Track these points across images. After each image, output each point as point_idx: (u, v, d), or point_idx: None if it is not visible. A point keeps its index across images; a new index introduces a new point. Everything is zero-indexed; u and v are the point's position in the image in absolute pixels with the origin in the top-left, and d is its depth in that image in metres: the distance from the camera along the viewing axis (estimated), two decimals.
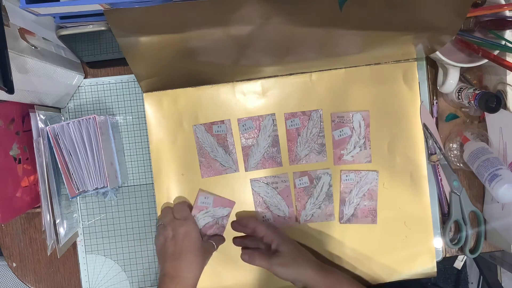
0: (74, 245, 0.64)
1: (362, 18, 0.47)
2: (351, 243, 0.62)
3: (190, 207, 0.61)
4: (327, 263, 0.62)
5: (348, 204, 0.63)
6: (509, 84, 0.58)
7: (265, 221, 0.62)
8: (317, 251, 0.62)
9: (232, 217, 0.62)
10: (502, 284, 1.24)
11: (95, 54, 0.58)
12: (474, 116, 0.64)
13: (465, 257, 1.27)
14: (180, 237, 0.55)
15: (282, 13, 0.44)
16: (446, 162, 0.63)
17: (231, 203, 0.61)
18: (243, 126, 0.63)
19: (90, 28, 0.48)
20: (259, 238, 0.59)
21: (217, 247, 0.60)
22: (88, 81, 0.64)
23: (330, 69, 0.63)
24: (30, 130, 0.56)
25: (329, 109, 0.63)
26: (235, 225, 0.61)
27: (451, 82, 0.59)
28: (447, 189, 0.64)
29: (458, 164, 0.63)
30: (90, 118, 0.56)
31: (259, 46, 0.52)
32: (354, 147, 0.63)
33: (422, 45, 0.57)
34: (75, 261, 0.64)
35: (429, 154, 0.63)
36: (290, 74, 0.63)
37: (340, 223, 0.63)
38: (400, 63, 0.63)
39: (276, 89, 0.63)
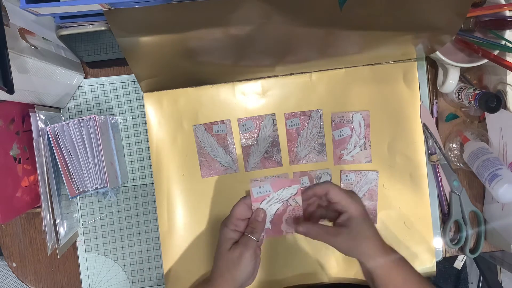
0: (74, 245, 0.64)
1: (362, 18, 0.47)
2: None
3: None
4: (327, 263, 0.62)
5: None
6: (509, 84, 0.58)
7: (337, 186, 0.53)
8: (316, 251, 0.62)
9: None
10: (502, 284, 1.24)
11: (95, 54, 0.58)
12: (474, 116, 0.64)
13: (465, 257, 1.27)
14: (216, 248, 0.53)
15: (282, 13, 0.44)
16: (446, 162, 0.63)
17: (294, 181, 0.54)
18: (243, 126, 0.63)
19: (90, 28, 0.48)
20: (326, 204, 0.53)
21: (258, 237, 0.51)
22: (88, 81, 0.64)
23: (330, 69, 0.63)
24: (30, 130, 0.56)
25: (329, 109, 0.63)
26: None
27: (451, 82, 0.59)
28: (447, 189, 0.64)
29: (458, 164, 0.63)
30: (90, 118, 0.56)
31: (259, 46, 0.52)
32: (354, 147, 0.63)
33: (422, 45, 0.57)
34: (75, 261, 0.64)
35: (429, 154, 0.63)
36: (290, 74, 0.63)
37: None
38: (400, 63, 0.63)
39: (276, 89, 0.63)
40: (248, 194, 0.53)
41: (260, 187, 0.53)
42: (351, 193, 0.52)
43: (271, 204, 0.53)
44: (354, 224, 0.50)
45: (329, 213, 0.54)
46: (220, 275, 0.50)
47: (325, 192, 0.52)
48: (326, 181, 0.53)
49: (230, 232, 0.52)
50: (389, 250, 0.51)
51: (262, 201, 0.53)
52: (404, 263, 0.51)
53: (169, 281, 0.62)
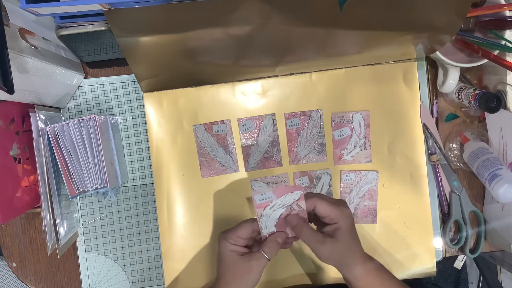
0: (74, 245, 0.64)
1: (362, 18, 0.47)
2: None
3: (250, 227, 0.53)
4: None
5: (348, 204, 0.63)
6: (509, 84, 0.58)
7: (327, 196, 0.53)
8: None
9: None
10: (502, 284, 1.24)
11: (95, 54, 0.58)
12: (474, 116, 0.64)
13: (465, 257, 1.27)
14: (218, 258, 0.53)
15: (282, 13, 0.44)
16: (446, 162, 0.63)
17: (297, 187, 0.53)
18: (243, 126, 0.63)
19: (90, 28, 0.48)
20: (315, 217, 0.52)
21: (270, 256, 0.51)
22: (88, 81, 0.64)
23: (330, 69, 0.63)
24: (30, 130, 0.56)
25: (329, 109, 0.63)
26: None
27: (451, 82, 0.59)
28: (447, 189, 0.64)
29: (458, 164, 0.63)
30: (90, 118, 0.56)
31: (259, 46, 0.52)
32: (354, 147, 0.63)
33: (422, 45, 0.57)
34: (75, 261, 0.64)
35: (429, 154, 0.63)
36: (290, 74, 0.63)
37: None
38: (400, 63, 0.63)
39: (276, 89, 0.63)
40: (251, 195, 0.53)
41: (262, 194, 0.52)
42: (340, 204, 0.51)
43: (275, 210, 0.52)
44: (341, 237, 0.49)
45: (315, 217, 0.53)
46: (226, 285, 0.51)
47: (312, 207, 0.51)
48: (313, 194, 0.52)
49: (231, 245, 0.52)
50: (368, 260, 0.51)
51: (265, 207, 0.52)
52: (382, 271, 0.52)
53: (169, 281, 0.62)
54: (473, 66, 0.56)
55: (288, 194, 0.52)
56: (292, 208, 0.52)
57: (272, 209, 0.52)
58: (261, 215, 0.52)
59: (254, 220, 0.53)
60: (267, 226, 0.52)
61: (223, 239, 0.52)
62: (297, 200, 0.52)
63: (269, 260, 0.51)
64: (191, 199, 0.62)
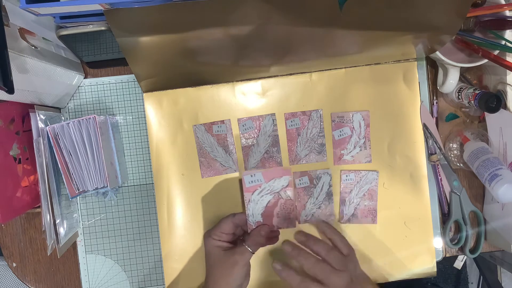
0: (74, 245, 0.64)
1: (362, 18, 0.47)
2: (351, 243, 0.62)
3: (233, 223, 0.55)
4: None
5: (348, 204, 0.63)
6: (509, 84, 0.58)
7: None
8: None
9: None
10: (502, 284, 1.24)
11: (95, 54, 0.58)
12: (474, 116, 0.64)
13: (465, 257, 1.27)
14: (205, 256, 0.54)
15: (282, 13, 0.44)
16: (446, 162, 0.63)
17: (286, 171, 0.54)
18: (243, 126, 0.63)
19: (90, 28, 0.48)
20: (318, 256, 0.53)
21: (255, 250, 0.52)
22: (88, 81, 0.64)
23: (330, 69, 0.63)
24: (30, 130, 0.56)
25: (329, 109, 0.63)
26: (302, 235, 0.55)
27: (451, 82, 0.59)
28: (447, 189, 0.64)
29: (458, 164, 0.63)
30: (90, 118, 0.56)
31: (259, 46, 0.52)
32: (354, 147, 0.63)
33: (422, 45, 0.57)
34: (75, 261, 0.64)
35: (429, 154, 0.63)
36: (290, 74, 0.63)
37: (340, 223, 0.63)
38: (400, 63, 0.63)
39: (276, 89, 0.63)
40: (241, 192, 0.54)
41: (252, 176, 0.53)
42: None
43: (262, 196, 0.54)
44: None
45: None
46: (214, 282, 0.52)
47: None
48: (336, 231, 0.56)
49: (216, 241, 0.53)
50: None
51: (254, 191, 0.53)
52: None
53: (169, 281, 0.62)
54: (473, 66, 0.56)
55: (277, 179, 0.53)
56: (280, 196, 0.53)
57: (260, 194, 0.54)
58: (249, 201, 0.53)
59: (235, 214, 0.54)
60: (254, 214, 0.53)
61: (208, 236, 0.54)
62: (285, 187, 0.52)
63: (253, 253, 0.51)
64: (191, 199, 0.62)
